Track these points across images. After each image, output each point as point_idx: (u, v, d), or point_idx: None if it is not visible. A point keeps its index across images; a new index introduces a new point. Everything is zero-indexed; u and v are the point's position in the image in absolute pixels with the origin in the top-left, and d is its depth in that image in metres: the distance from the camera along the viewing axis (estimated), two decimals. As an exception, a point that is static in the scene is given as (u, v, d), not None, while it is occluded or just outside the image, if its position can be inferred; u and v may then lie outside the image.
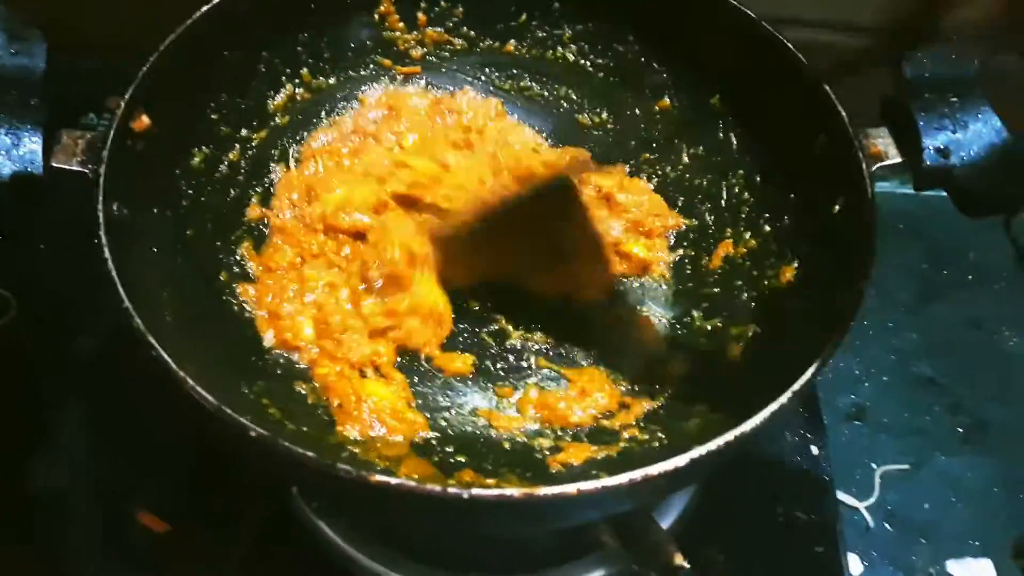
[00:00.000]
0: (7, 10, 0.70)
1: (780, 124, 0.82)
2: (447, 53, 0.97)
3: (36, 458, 0.89)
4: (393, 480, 0.53)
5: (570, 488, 0.53)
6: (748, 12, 0.81)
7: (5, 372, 0.95)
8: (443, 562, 0.82)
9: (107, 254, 0.62)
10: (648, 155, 0.94)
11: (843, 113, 0.73)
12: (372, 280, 0.82)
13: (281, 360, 0.79)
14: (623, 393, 0.80)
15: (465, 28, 0.95)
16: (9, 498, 0.87)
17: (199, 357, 0.65)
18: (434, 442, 0.76)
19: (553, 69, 0.96)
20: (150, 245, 0.73)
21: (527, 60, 0.96)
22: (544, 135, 0.97)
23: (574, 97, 0.97)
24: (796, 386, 0.59)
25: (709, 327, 0.83)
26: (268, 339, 0.79)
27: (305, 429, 0.71)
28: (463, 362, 0.82)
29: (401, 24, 0.94)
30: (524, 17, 0.94)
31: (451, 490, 0.53)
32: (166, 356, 0.58)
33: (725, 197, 0.88)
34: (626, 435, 0.75)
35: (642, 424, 0.76)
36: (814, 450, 0.93)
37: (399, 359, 0.81)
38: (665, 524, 0.82)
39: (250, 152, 0.87)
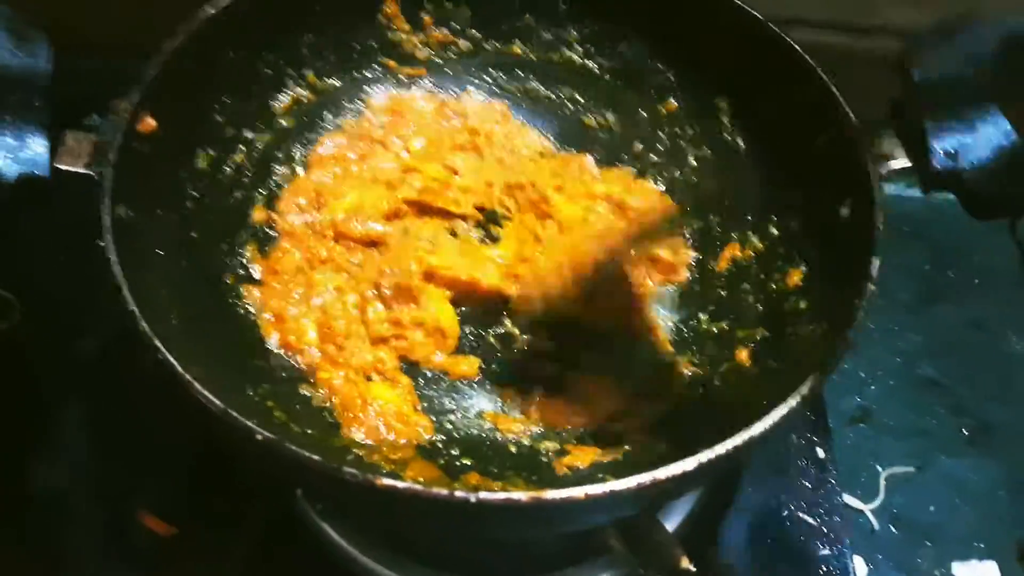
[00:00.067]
0: (11, 11, 0.69)
1: (787, 126, 0.81)
2: (452, 54, 0.96)
3: (37, 459, 0.89)
4: (399, 484, 0.53)
5: (577, 492, 0.53)
6: (754, 13, 0.81)
7: (8, 373, 0.95)
8: (448, 565, 0.81)
9: (112, 257, 0.62)
10: (654, 157, 0.93)
11: (851, 115, 0.73)
12: (383, 288, 0.82)
13: (286, 363, 0.78)
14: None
15: (470, 29, 0.95)
16: (10, 499, 0.87)
17: (204, 359, 0.65)
18: (440, 445, 0.76)
19: (559, 71, 0.96)
20: (155, 247, 0.73)
21: (532, 62, 0.96)
22: (550, 137, 0.97)
23: (580, 99, 0.97)
24: (805, 389, 0.59)
25: (715, 330, 0.82)
26: (273, 342, 0.79)
27: (310, 432, 0.71)
28: (469, 365, 0.82)
29: (406, 25, 0.93)
30: (529, 18, 0.94)
31: (458, 494, 0.53)
32: (172, 359, 0.58)
33: (731, 199, 0.88)
34: (632, 438, 0.75)
35: (648, 427, 0.76)
36: (819, 452, 0.92)
37: (404, 364, 0.81)
38: (671, 527, 0.82)
39: (255, 154, 0.87)
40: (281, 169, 0.89)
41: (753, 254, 0.84)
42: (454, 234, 0.89)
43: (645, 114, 0.94)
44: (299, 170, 0.90)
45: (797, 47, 0.78)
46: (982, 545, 0.92)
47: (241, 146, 0.86)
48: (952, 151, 0.72)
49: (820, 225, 0.76)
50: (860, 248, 0.68)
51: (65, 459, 0.89)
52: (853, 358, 1.05)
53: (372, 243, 0.86)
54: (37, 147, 0.66)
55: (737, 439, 0.56)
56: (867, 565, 0.90)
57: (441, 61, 0.96)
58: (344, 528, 0.81)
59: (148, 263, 0.70)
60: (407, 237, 0.86)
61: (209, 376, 0.58)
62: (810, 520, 0.88)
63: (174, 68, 0.74)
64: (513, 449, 0.76)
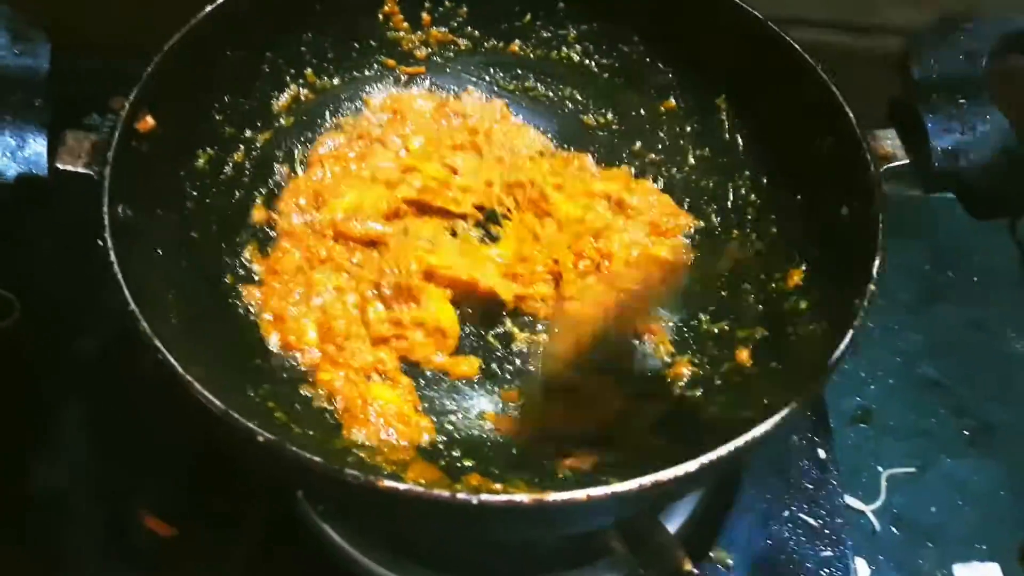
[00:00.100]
0: (11, 10, 0.69)
1: (787, 125, 0.81)
2: (451, 53, 0.96)
3: (37, 458, 0.89)
4: (401, 486, 0.53)
5: (579, 494, 0.53)
6: (754, 12, 0.81)
7: (8, 373, 0.95)
8: (449, 567, 0.81)
9: (112, 256, 0.62)
10: (654, 156, 0.93)
11: (851, 114, 0.73)
12: (383, 288, 0.81)
13: (287, 363, 0.78)
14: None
15: (469, 28, 0.95)
16: (10, 499, 0.87)
17: (204, 360, 0.65)
18: (441, 446, 0.76)
19: (558, 69, 0.96)
20: (155, 247, 0.72)
21: (532, 60, 0.96)
22: (549, 136, 0.97)
23: (579, 98, 0.97)
24: (807, 391, 0.59)
25: (716, 330, 0.82)
26: (273, 342, 0.79)
27: (311, 433, 0.71)
28: (469, 365, 0.81)
29: (405, 24, 0.94)
30: (529, 17, 0.94)
31: (460, 496, 0.53)
32: (172, 360, 0.58)
33: (731, 199, 0.88)
34: (633, 439, 0.74)
35: (649, 428, 0.76)
36: (821, 453, 0.92)
37: (404, 365, 0.81)
38: (672, 528, 0.82)
39: (254, 153, 0.87)
40: (281, 168, 0.89)
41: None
42: (454, 233, 0.88)
43: (645, 113, 0.94)
44: (299, 169, 0.90)
45: (797, 46, 0.78)
46: (984, 546, 0.92)
47: (240, 145, 0.86)
48: (952, 150, 0.72)
49: (820, 225, 0.76)
50: (861, 248, 0.68)
51: (65, 459, 0.89)
52: (853, 358, 1.05)
53: (372, 243, 0.86)
54: (37, 147, 0.66)
55: (739, 440, 0.56)
56: (868, 566, 0.90)
57: (440, 60, 0.97)
58: (345, 529, 0.81)
59: (147, 263, 0.70)
60: (407, 237, 0.85)
61: (209, 376, 0.58)
62: (811, 521, 0.88)
63: (173, 67, 0.74)
64: (514, 450, 0.76)
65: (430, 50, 0.96)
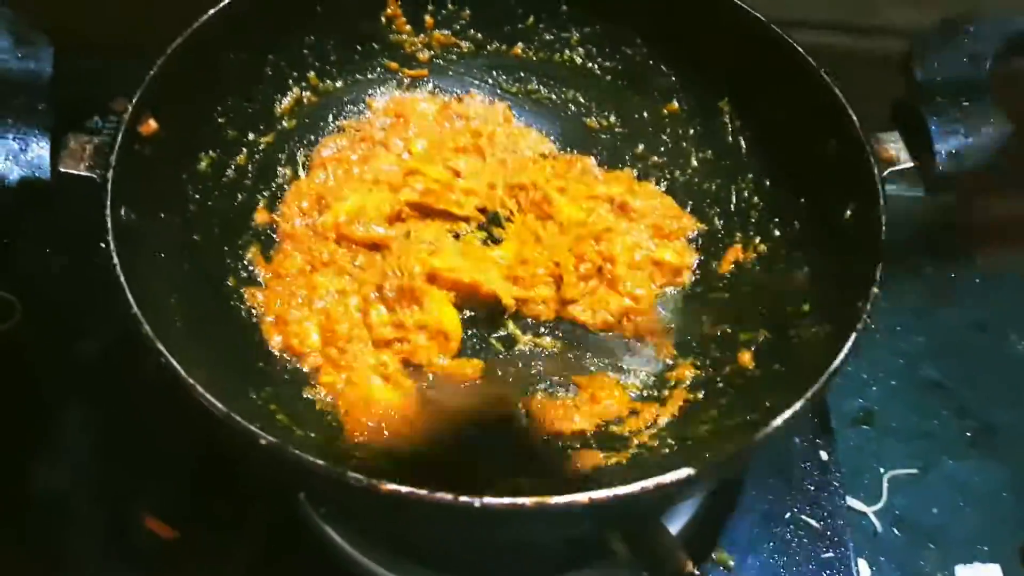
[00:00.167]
0: (13, 13, 0.69)
1: (790, 128, 0.81)
2: (454, 56, 0.96)
3: (39, 460, 0.89)
4: (403, 488, 0.53)
5: (582, 497, 0.53)
6: (757, 15, 0.81)
7: (10, 375, 0.95)
8: (451, 568, 0.81)
9: (115, 259, 0.62)
10: (656, 159, 0.93)
11: (854, 116, 0.73)
12: (385, 290, 0.81)
13: (289, 366, 0.78)
14: (633, 399, 0.79)
15: (472, 31, 0.95)
16: (11, 500, 0.87)
17: (207, 362, 0.65)
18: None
19: (561, 72, 0.96)
20: (157, 250, 0.73)
21: (534, 63, 0.96)
22: (552, 138, 0.97)
23: (582, 100, 0.97)
24: (809, 393, 0.59)
25: (719, 332, 0.82)
26: (275, 344, 0.79)
27: (313, 435, 0.71)
28: (472, 368, 0.81)
29: (408, 27, 0.94)
30: (531, 20, 0.94)
31: (462, 498, 0.53)
32: (175, 363, 0.58)
33: (734, 201, 0.88)
34: (636, 441, 0.75)
35: (652, 430, 0.76)
36: (823, 455, 0.92)
37: (407, 367, 0.81)
38: (674, 529, 0.82)
39: (257, 156, 0.87)
40: (283, 171, 0.89)
41: (756, 256, 0.84)
42: (456, 236, 0.89)
43: (648, 116, 0.94)
44: (301, 172, 0.90)
45: (799, 48, 0.78)
46: (985, 547, 0.92)
47: (243, 148, 0.86)
48: (955, 152, 0.72)
49: (824, 227, 0.76)
50: (864, 251, 0.68)
51: (66, 461, 0.89)
52: (855, 359, 1.04)
53: (374, 245, 0.86)
54: (40, 150, 0.66)
55: (741, 443, 0.56)
56: (870, 567, 0.90)
57: (443, 63, 0.97)
58: (347, 531, 0.81)
59: (150, 265, 0.70)
60: (409, 239, 0.86)
61: (211, 379, 0.58)
62: (813, 522, 0.88)
63: (175, 70, 0.74)
64: (517, 452, 0.76)
65: (433, 53, 0.96)
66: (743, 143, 0.87)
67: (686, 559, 0.68)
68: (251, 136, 0.86)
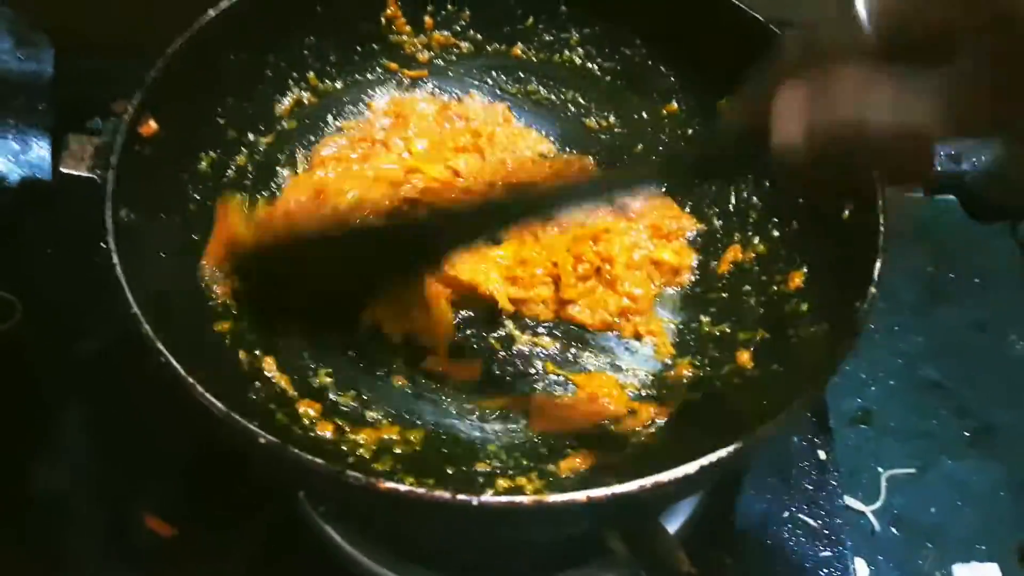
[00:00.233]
0: (14, 14, 0.70)
1: (788, 128, 0.81)
2: (454, 57, 0.97)
3: (38, 460, 0.89)
4: (402, 487, 0.53)
5: (580, 495, 0.53)
6: (756, 15, 0.81)
7: (10, 375, 0.95)
8: (450, 566, 0.81)
9: (115, 259, 0.62)
10: (656, 159, 0.93)
11: (852, 117, 0.73)
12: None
13: (289, 364, 0.78)
14: (631, 398, 0.80)
15: (472, 31, 0.95)
16: (11, 500, 0.87)
17: (206, 362, 0.65)
18: (442, 447, 0.76)
19: (560, 73, 0.96)
20: (158, 250, 0.73)
21: (534, 64, 0.97)
22: (551, 139, 0.97)
23: (581, 101, 0.97)
24: (807, 393, 0.59)
25: (717, 332, 0.82)
26: (276, 344, 0.79)
27: (312, 434, 0.71)
28: (471, 368, 0.81)
29: (408, 27, 0.94)
30: (531, 20, 0.94)
31: (460, 497, 0.53)
32: (175, 363, 0.58)
33: (733, 201, 0.88)
34: (634, 441, 0.75)
35: (651, 430, 0.76)
36: (821, 454, 0.92)
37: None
38: (672, 529, 0.82)
39: (257, 157, 0.87)
40: (283, 171, 0.89)
41: (755, 256, 0.84)
42: (456, 235, 0.89)
43: (647, 116, 0.94)
44: (301, 171, 0.90)
45: (799, 49, 0.77)
46: (983, 547, 0.92)
47: (243, 148, 0.86)
48: (954, 154, 0.72)
49: (822, 227, 0.76)
50: (862, 250, 0.68)
51: (66, 460, 0.89)
52: (854, 359, 1.05)
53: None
54: (41, 151, 0.66)
55: (739, 442, 0.56)
56: (868, 567, 0.90)
57: (443, 63, 0.97)
58: (347, 530, 0.81)
59: (151, 265, 0.70)
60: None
61: (211, 378, 0.58)
62: (811, 522, 0.88)
63: (175, 70, 0.74)
64: (516, 451, 0.76)
65: (432, 53, 0.96)
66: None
67: (684, 558, 0.69)
68: (251, 136, 0.86)
